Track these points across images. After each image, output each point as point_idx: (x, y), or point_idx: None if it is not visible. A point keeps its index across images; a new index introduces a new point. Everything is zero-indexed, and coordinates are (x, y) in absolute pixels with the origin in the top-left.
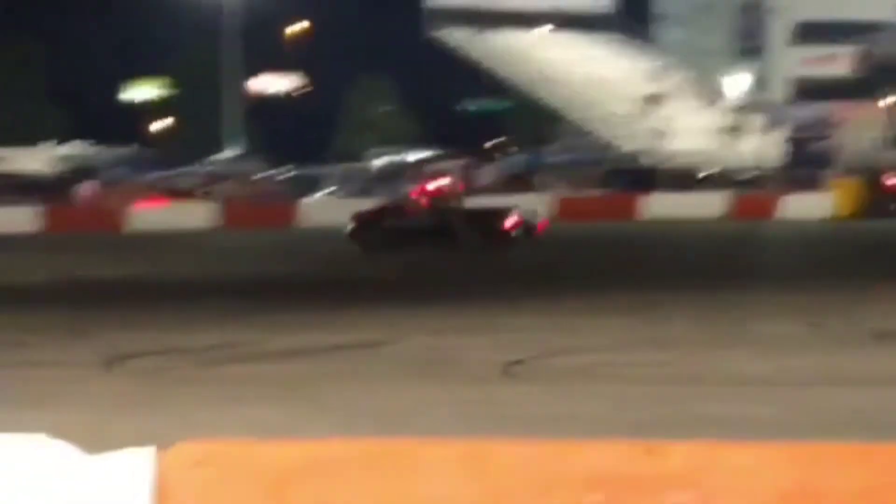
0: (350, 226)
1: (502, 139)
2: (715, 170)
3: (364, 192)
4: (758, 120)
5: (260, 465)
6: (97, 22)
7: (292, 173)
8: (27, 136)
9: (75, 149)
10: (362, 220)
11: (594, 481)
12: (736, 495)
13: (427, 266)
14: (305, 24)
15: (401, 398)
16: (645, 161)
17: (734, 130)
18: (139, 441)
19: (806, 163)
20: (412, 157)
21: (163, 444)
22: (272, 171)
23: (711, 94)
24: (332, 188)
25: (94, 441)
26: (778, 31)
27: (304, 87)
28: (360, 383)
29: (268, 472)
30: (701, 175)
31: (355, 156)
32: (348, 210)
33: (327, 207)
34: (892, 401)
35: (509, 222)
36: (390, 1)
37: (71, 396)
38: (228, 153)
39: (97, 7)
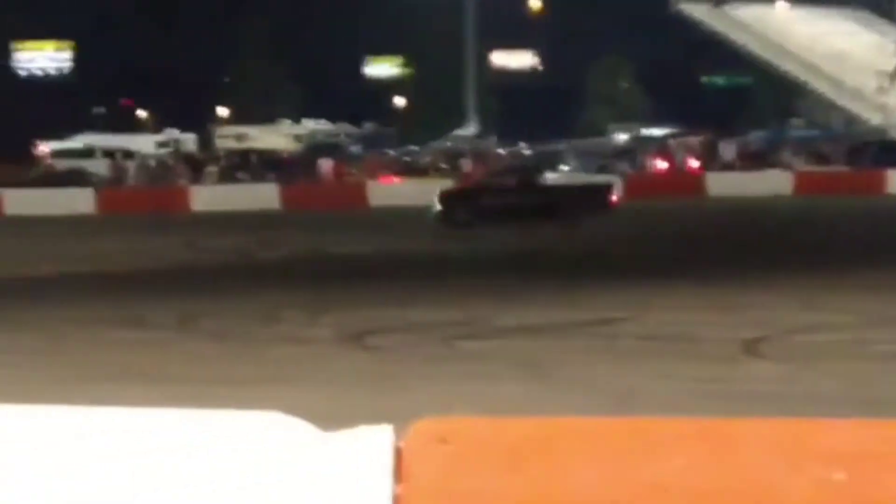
0: (437, 207)
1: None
2: None
3: (603, 167)
4: None
5: (499, 441)
6: (337, 1)
7: (528, 151)
8: (269, 115)
9: (316, 127)
10: (450, 198)
11: (837, 460)
12: None
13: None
14: (539, 2)
15: (639, 375)
16: (894, 135)
17: None
18: (379, 417)
19: None
20: (654, 132)
21: (404, 421)
22: (512, 149)
23: None
24: (571, 164)
25: (335, 417)
26: None
27: (541, 64)
28: (598, 360)
29: (506, 449)
30: None
31: (596, 132)
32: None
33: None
34: None
35: (615, 196)
36: None
37: (314, 372)
38: (466, 130)
39: None
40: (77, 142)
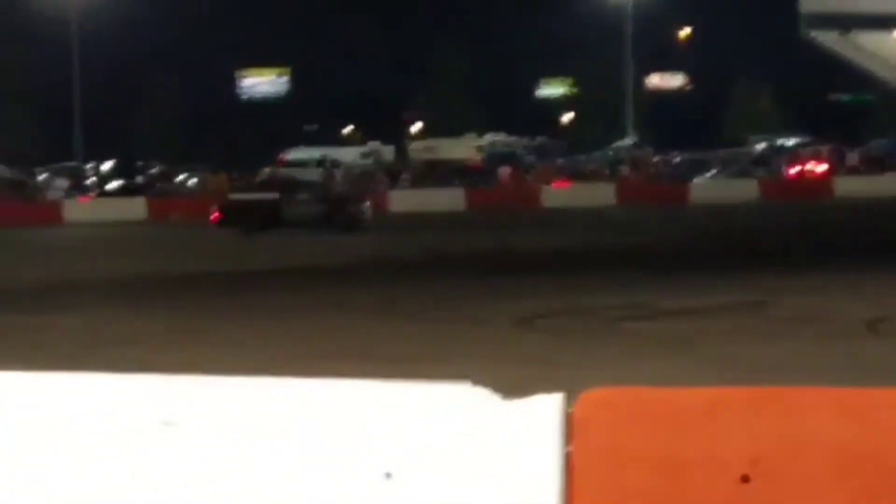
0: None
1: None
2: None
3: (743, 173)
4: None
5: (658, 409)
6: (512, 30)
7: (678, 159)
8: (454, 129)
9: (496, 139)
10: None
11: None
12: None
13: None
14: (688, 29)
15: (778, 352)
16: None
17: None
18: (551, 388)
19: None
20: (788, 142)
21: (573, 391)
22: (664, 157)
23: None
24: (716, 170)
25: (513, 387)
26: None
27: (689, 84)
28: (740, 339)
29: (665, 416)
30: None
31: (737, 142)
32: (732, 189)
33: (713, 187)
34: None
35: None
36: (767, 7)
37: (493, 350)
38: (626, 141)
39: (509, 16)
40: (301, 153)
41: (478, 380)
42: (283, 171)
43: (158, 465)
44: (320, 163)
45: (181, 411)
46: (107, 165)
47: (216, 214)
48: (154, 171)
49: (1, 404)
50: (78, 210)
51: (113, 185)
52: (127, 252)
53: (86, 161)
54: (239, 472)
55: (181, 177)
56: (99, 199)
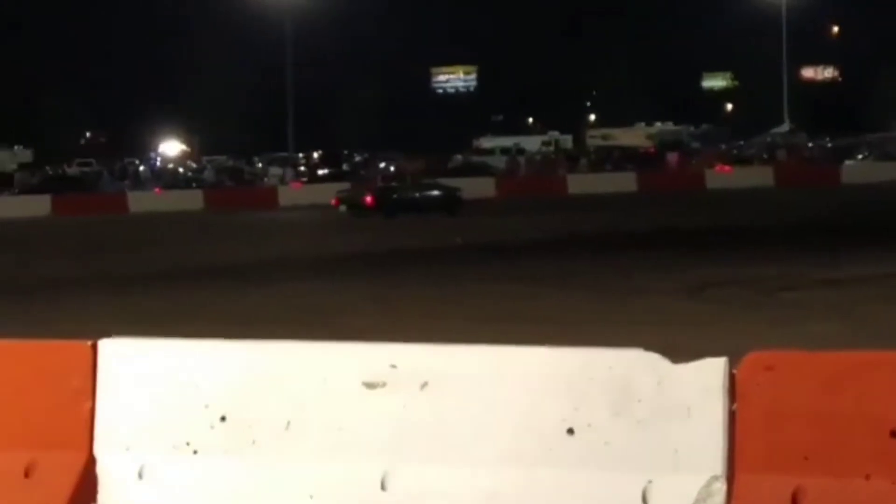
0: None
1: None
2: None
3: (889, 155)
4: None
5: (813, 370)
6: (677, 27)
7: (830, 144)
8: (626, 119)
9: (664, 127)
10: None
11: None
12: None
13: None
14: (836, 28)
15: None
16: None
17: None
18: (717, 352)
19: None
20: None
21: (735, 355)
22: (817, 142)
23: None
24: (864, 154)
25: (681, 351)
26: None
27: (839, 75)
28: (888, 306)
29: (819, 376)
30: None
31: (884, 127)
32: (880, 171)
33: (862, 169)
34: None
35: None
36: None
37: (663, 317)
38: (782, 128)
39: (674, 15)
40: (490, 141)
41: (651, 344)
42: (474, 158)
43: (362, 423)
44: (505, 150)
45: (384, 375)
46: (316, 155)
47: (370, 199)
48: (357, 159)
49: (227, 367)
50: (291, 195)
51: (321, 172)
52: (335, 232)
53: (297, 151)
54: (437, 426)
55: (381, 164)
56: (309, 185)
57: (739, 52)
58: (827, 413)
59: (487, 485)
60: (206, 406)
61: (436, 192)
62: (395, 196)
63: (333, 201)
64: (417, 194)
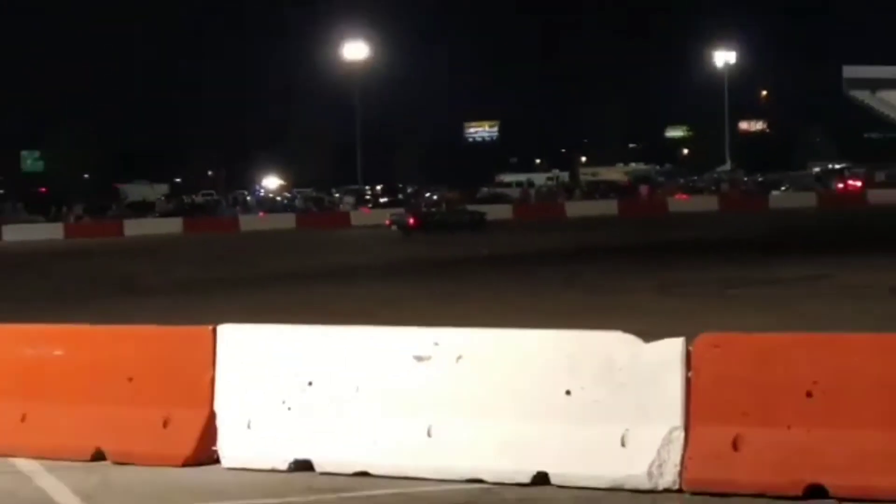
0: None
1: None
2: None
3: (805, 188)
4: None
5: (750, 347)
6: (645, 92)
7: (761, 178)
8: (605, 156)
9: (637, 167)
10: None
11: None
12: None
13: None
14: (765, 92)
15: (834, 309)
16: None
17: None
18: (677, 332)
19: None
20: (836, 166)
21: (691, 335)
22: (751, 177)
23: None
24: (786, 186)
25: (650, 333)
26: None
27: (767, 127)
28: (809, 301)
29: (755, 352)
30: None
31: (801, 167)
32: (798, 200)
33: (785, 198)
34: None
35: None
36: (820, 76)
37: (631, 310)
38: (725, 167)
39: (644, 80)
40: (508, 177)
41: (629, 328)
42: (497, 189)
43: (412, 387)
44: (519, 183)
45: (429, 350)
46: (378, 187)
47: (413, 221)
48: (410, 190)
49: (313, 345)
50: (361, 217)
51: (382, 200)
52: (389, 246)
53: (365, 184)
54: (469, 389)
55: (427, 194)
56: (374, 209)
57: (693, 110)
58: (759, 380)
59: (506, 433)
60: (297, 374)
61: (465, 216)
62: (433, 218)
63: (387, 222)
64: (450, 216)
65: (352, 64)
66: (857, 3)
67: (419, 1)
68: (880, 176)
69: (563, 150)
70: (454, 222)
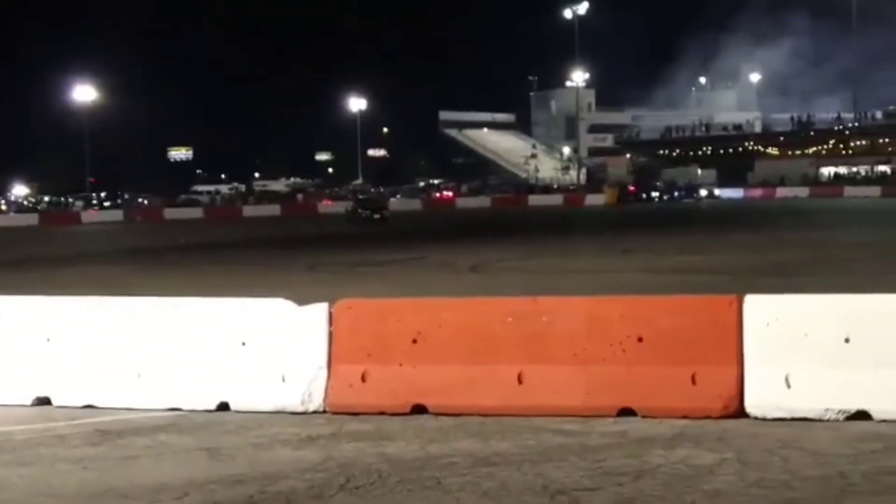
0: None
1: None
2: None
3: (414, 195)
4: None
5: (375, 308)
6: (303, 120)
7: (382, 189)
8: (272, 173)
9: (296, 180)
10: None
11: None
12: None
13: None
14: (386, 129)
15: (430, 282)
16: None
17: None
18: (323, 299)
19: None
20: (436, 181)
21: (332, 301)
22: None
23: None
24: (400, 195)
25: (303, 300)
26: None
27: (388, 153)
28: (406, 274)
29: (376, 313)
30: None
31: (412, 181)
32: (410, 204)
33: (400, 203)
34: None
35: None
36: (427, 116)
37: (290, 284)
38: (358, 181)
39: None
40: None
41: (289, 296)
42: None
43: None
44: (209, 192)
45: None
46: (103, 193)
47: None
48: (126, 196)
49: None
50: (89, 216)
51: (106, 203)
52: (115, 237)
53: (92, 191)
54: (169, 347)
55: (139, 199)
56: (100, 211)
57: (336, 140)
58: (380, 331)
59: (198, 373)
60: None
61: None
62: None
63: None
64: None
65: (81, 105)
66: (459, 55)
67: (138, 53)
68: (465, 189)
69: (242, 168)
70: None
